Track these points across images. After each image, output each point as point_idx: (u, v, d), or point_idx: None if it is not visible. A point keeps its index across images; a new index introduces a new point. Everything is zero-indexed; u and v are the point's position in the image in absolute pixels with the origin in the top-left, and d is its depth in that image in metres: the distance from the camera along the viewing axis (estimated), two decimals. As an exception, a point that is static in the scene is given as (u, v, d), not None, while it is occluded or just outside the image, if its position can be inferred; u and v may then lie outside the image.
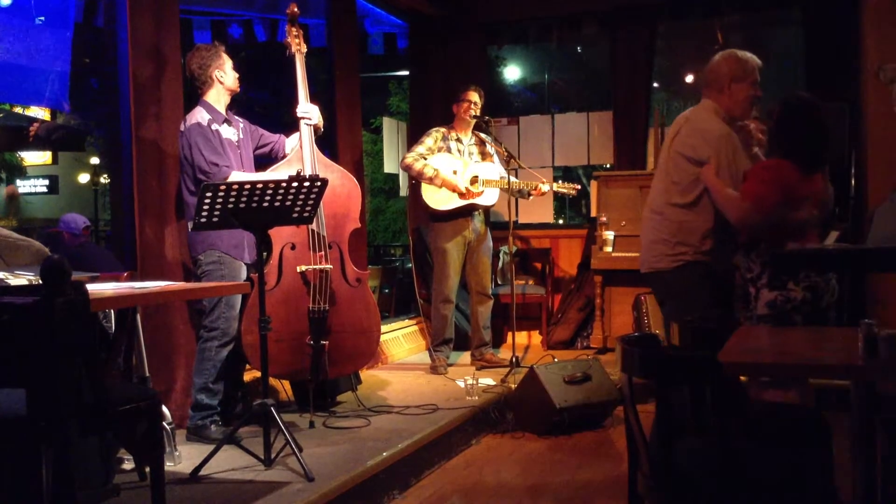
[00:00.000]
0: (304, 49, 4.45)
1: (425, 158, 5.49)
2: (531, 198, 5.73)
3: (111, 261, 4.71)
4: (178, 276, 4.18)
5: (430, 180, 5.47)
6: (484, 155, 5.71)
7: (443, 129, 5.63)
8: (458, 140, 5.63)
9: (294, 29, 4.42)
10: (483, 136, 5.68)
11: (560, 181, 6.03)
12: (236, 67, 4.21)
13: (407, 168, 5.55)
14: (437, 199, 5.52)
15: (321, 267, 4.28)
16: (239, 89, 4.23)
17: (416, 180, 5.58)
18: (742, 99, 3.56)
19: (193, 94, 4.19)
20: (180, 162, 4.05)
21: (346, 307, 4.35)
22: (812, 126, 3.31)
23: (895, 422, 2.17)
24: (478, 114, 5.56)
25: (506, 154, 5.45)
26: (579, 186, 6.10)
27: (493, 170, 5.65)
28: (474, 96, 5.57)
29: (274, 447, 3.53)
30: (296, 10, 4.44)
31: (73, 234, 5.74)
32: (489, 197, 5.62)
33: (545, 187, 5.67)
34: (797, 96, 3.42)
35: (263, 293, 3.63)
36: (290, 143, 4.41)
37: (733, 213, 3.37)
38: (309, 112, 4.33)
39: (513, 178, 5.48)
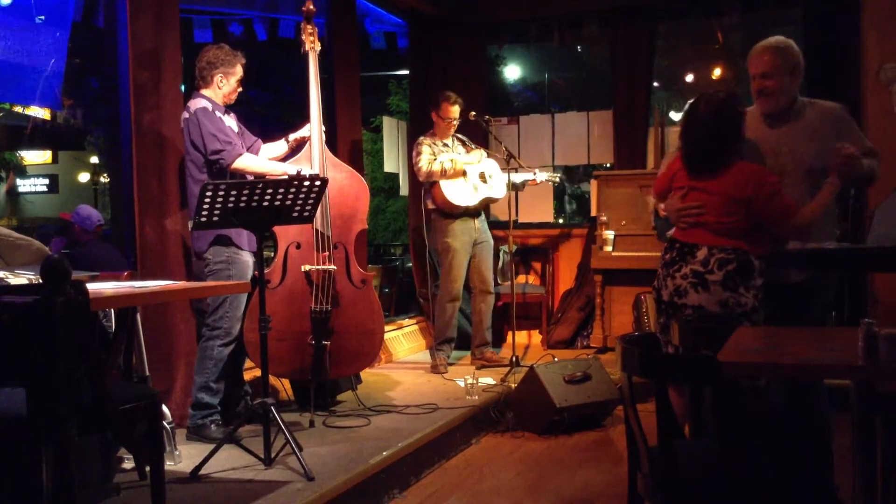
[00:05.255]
0: (318, 47, 4.45)
1: (434, 159, 5.53)
2: (525, 188, 6.02)
3: (118, 259, 4.70)
4: (179, 275, 4.18)
5: (454, 171, 5.51)
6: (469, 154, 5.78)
7: (428, 139, 5.65)
8: (445, 145, 5.67)
9: (309, 27, 4.43)
10: (460, 136, 5.76)
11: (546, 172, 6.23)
12: None
13: (430, 175, 5.50)
14: (457, 194, 5.54)
15: (325, 267, 4.28)
16: (232, 102, 4.20)
17: (439, 179, 5.54)
18: (754, 92, 3.45)
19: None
20: (185, 149, 4.05)
21: (349, 308, 4.35)
22: (685, 125, 3.35)
23: (895, 422, 2.16)
24: (457, 125, 5.67)
25: (506, 153, 5.47)
26: (559, 174, 6.37)
27: (496, 165, 5.76)
28: (455, 112, 5.59)
29: (274, 446, 3.53)
30: (311, 7, 4.44)
31: (84, 230, 5.75)
32: (499, 189, 5.73)
33: (540, 177, 5.93)
34: (698, 96, 3.40)
35: (264, 292, 3.64)
36: (267, 152, 4.39)
37: None
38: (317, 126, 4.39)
39: (511, 174, 5.67)
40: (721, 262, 3.16)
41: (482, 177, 5.66)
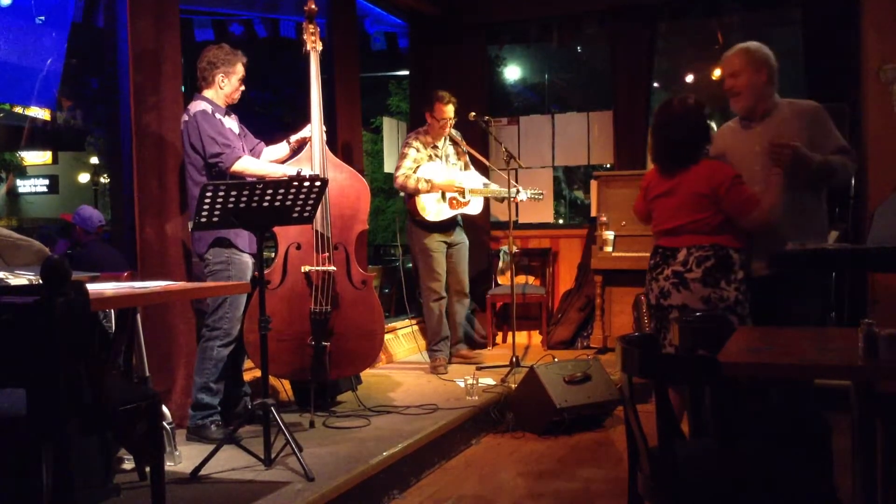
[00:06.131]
0: (320, 47, 4.45)
1: (415, 172, 5.53)
2: (504, 202, 5.89)
3: (119, 260, 4.70)
4: (179, 276, 4.18)
5: (428, 192, 5.53)
6: (459, 154, 5.79)
7: (420, 139, 5.64)
8: (434, 147, 5.67)
9: (311, 26, 4.43)
10: (454, 133, 5.73)
11: (530, 189, 6.00)
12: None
13: (402, 188, 5.56)
14: (430, 210, 5.57)
15: (324, 269, 4.28)
16: (235, 101, 4.20)
17: (412, 195, 5.58)
18: (727, 93, 3.57)
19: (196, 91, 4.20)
20: (185, 152, 4.05)
21: (349, 309, 4.35)
22: (659, 125, 3.49)
23: (895, 422, 2.17)
24: (451, 126, 5.62)
25: (506, 154, 5.47)
26: (544, 191, 6.20)
27: (477, 179, 5.76)
28: (449, 112, 5.53)
29: (274, 447, 3.53)
30: (313, 6, 4.44)
31: (86, 231, 5.76)
32: (475, 206, 5.75)
33: (522, 196, 5.75)
34: (669, 98, 3.56)
35: (264, 293, 3.64)
36: (268, 154, 4.40)
37: None
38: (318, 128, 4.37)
39: (493, 186, 5.74)
40: (699, 260, 3.26)
41: (462, 192, 5.65)
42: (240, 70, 4.14)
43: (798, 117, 3.39)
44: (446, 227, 5.66)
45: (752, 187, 3.32)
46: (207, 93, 4.11)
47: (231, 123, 4.15)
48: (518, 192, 5.72)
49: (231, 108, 4.23)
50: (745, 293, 3.29)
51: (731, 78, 3.45)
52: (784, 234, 3.23)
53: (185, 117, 4.04)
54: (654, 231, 3.52)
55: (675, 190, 3.38)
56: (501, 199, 5.88)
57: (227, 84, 4.10)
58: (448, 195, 5.60)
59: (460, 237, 5.78)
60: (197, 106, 4.02)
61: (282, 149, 4.43)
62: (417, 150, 5.58)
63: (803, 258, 3.11)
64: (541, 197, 6.02)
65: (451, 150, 5.73)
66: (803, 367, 2.04)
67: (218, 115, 4.05)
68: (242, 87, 4.19)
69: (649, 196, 3.51)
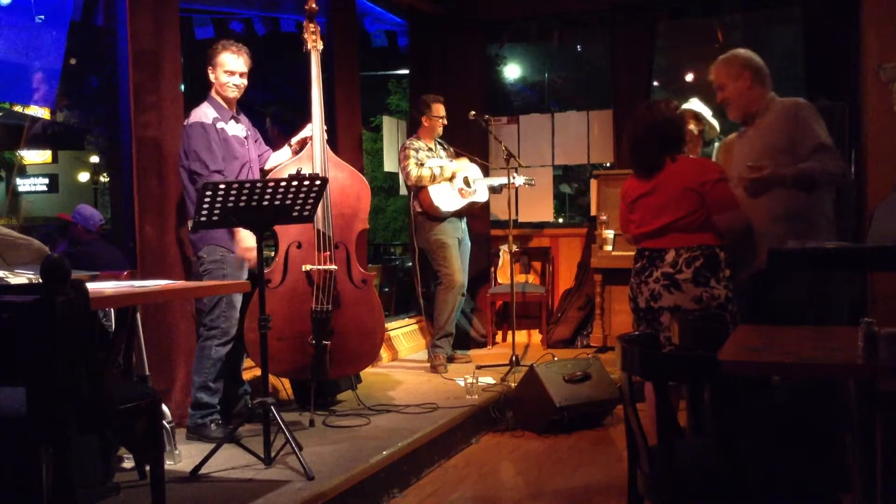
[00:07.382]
0: (321, 46, 4.45)
1: (422, 165, 5.59)
2: (502, 190, 6.02)
3: (119, 259, 4.71)
4: (179, 275, 4.18)
5: (442, 176, 5.60)
6: (449, 157, 5.88)
7: (415, 143, 5.71)
8: (430, 149, 5.72)
9: (311, 25, 4.42)
10: (440, 140, 5.85)
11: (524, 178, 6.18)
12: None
13: (420, 180, 5.56)
14: (445, 200, 5.62)
15: (326, 268, 4.28)
16: (232, 96, 4.09)
17: (428, 185, 5.60)
18: None
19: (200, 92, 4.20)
20: (181, 153, 4.04)
21: (350, 308, 4.35)
22: (627, 135, 3.54)
23: (895, 421, 2.16)
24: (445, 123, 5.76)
25: (505, 153, 5.49)
26: (534, 179, 6.36)
27: (477, 169, 5.86)
28: (443, 109, 5.71)
29: (274, 446, 3.53)
30: (314, 5, 4.43)
31: (87, 230, 5.76)
32: (482, 194, 5.86)
33: (519, 181, 5.91)
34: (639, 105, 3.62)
35: (263, 292, 3.64)
36: (273, 160, 4.40)
37: None
38: (318, 128, 4.36)
39: (488, 178, 5.95)
40: (689, 261, 3.30)
41: (466, 181, 5.74)
42: (223, 61, 4.04)
43: (781, 117, 3.50)
44: (456, 218, 5.73)
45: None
46: (212, 92, 4.09)
47: (236, 129, 4.13)
48: (514, 177, 5.80)
49: (243, 108, 4.22)
50: (733, 290, 3.35)
51: (719, 91, 3.62)
52: (772, 234, 3.35)
53: (186, 122, 4.03)
54: (637, 233, 3.50)
55: (658, 188, 3.39)
56: (499, 189, 6.02)
57: (216, 77, 4.08)
58: (456, 185, 5.67)
59: (466, 237, 5.83)
60: (197, 115, 3.99)
61: (285, 153, 4.43)
62: (417, 151, 5.64)
63: (803, 257, 3.11)
64: (532, 183, 6.18)
65: (443, 152, 5.83)
66: (803, 366, 2.04)
67: (220, 125, 4.01)
68: (235, 81, 4.08)
69: (629, 199, 3.52)
